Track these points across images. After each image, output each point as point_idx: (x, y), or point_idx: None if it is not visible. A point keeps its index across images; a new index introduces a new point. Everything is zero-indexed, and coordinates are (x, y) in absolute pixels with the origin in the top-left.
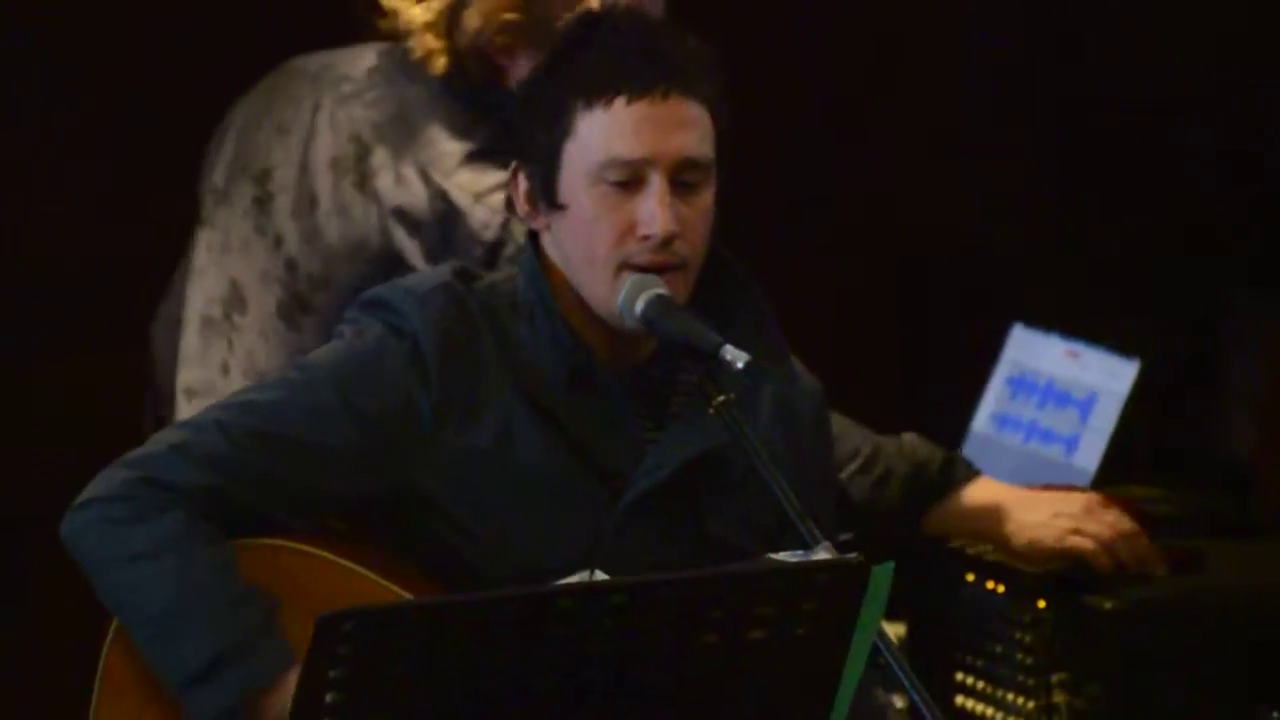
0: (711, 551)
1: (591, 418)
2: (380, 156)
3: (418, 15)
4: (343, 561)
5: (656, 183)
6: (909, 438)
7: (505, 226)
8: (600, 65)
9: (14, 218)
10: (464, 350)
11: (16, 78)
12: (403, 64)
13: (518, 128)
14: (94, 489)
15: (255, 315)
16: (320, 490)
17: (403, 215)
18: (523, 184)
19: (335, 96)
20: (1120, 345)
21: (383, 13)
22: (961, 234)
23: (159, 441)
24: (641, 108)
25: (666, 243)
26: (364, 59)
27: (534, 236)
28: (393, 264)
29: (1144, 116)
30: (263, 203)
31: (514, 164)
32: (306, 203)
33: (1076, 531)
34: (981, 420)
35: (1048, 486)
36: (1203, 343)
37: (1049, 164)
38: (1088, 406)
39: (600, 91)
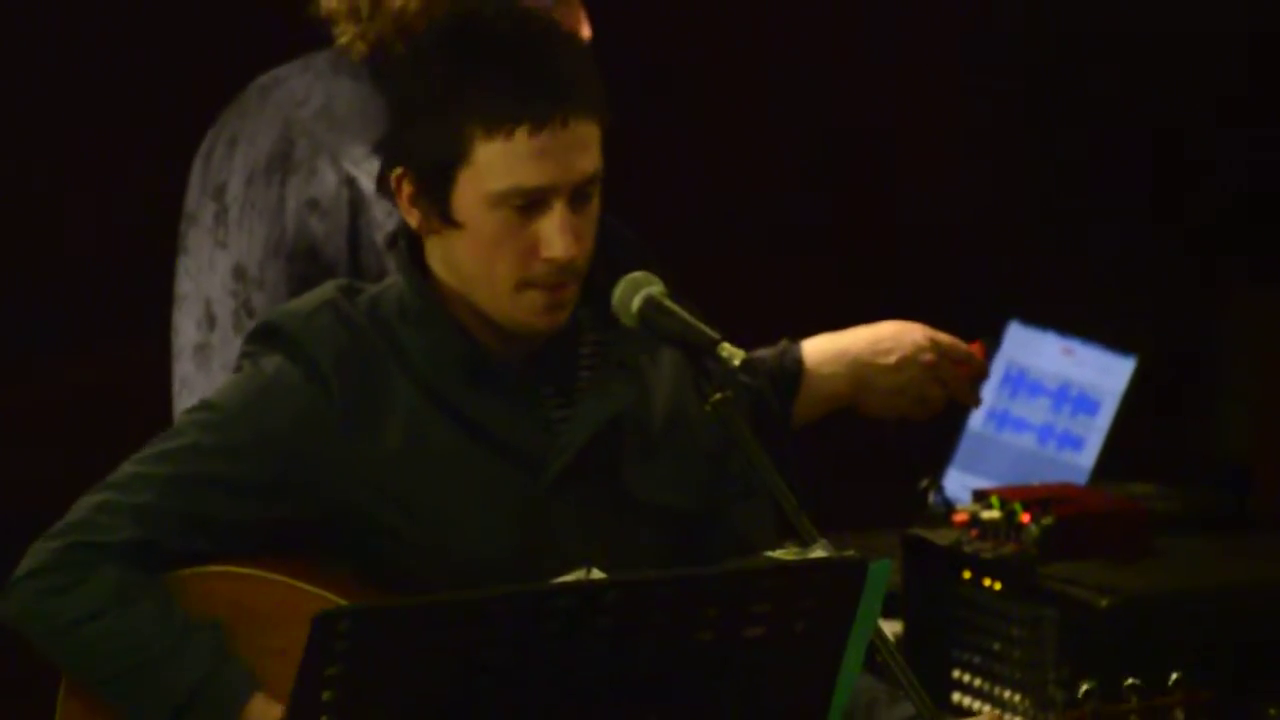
0: (640, 515)
1: (496, 407)
2: (301, 150)
3: (334, 3)
4: (281, 577)
5: (558, 207)
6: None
7: None
8: (499, 93)
9: (16, 217)
10: (360, 361)
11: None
12: (336, 59)
13: (400, 135)
14: (24, 565)
15: (221, 331)
16: (249, 524)
17: (314, 205)
18: (407, 188)
19: (276, 101)
20: (1117, 342)
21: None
22: (957, 231)
23: (81, 507)
24: (544, 137)
25: (567, 263)
26: (311, 61)
27: (411, 238)
28: (309, 256)
29: (1141, 111)
30: (220, 216)
31: (398, 168)
32: (249, 208)
33: (928, 389)
34: (978, 418)
35: (1045, 487)
36: (1199, 339)
37: (1046, 160)
38: (1084, 403)
39: (500, 122)
